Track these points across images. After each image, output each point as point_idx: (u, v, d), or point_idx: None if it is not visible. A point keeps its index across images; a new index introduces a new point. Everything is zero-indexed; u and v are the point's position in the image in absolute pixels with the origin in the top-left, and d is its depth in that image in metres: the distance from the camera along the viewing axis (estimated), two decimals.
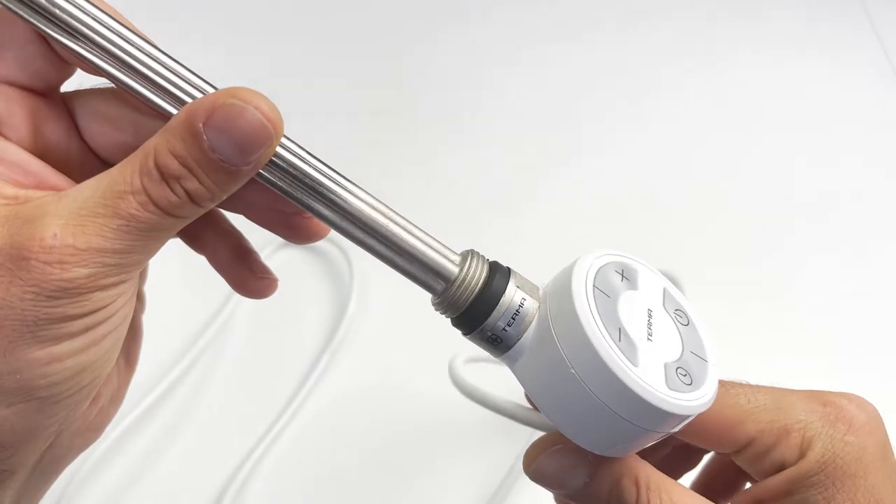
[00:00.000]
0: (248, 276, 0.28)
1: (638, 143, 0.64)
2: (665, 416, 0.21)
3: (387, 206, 0.24)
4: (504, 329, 0.23)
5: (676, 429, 0.23)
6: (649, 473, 0.24)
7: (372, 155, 0.59)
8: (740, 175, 0.63)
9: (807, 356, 0.51)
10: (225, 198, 0.23)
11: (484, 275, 0.24)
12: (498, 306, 0.23)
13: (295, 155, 0.23)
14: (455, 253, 0.24)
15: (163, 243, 0.23)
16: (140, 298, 0.28)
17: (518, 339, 0.23)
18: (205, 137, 0.21)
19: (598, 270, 0.23)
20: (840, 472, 0.24)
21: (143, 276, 0.28)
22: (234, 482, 0.45)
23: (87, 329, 0.22)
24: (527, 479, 0.26)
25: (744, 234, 0.59)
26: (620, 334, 0.22)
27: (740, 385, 0.26)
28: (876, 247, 0.59)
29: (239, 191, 0.23)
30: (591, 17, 0.72)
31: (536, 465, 0.25)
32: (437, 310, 0.25)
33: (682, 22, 0.73)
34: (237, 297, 0.51)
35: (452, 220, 0.55)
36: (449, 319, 0.25)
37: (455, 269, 0.24)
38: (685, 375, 0.22)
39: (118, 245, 0.21)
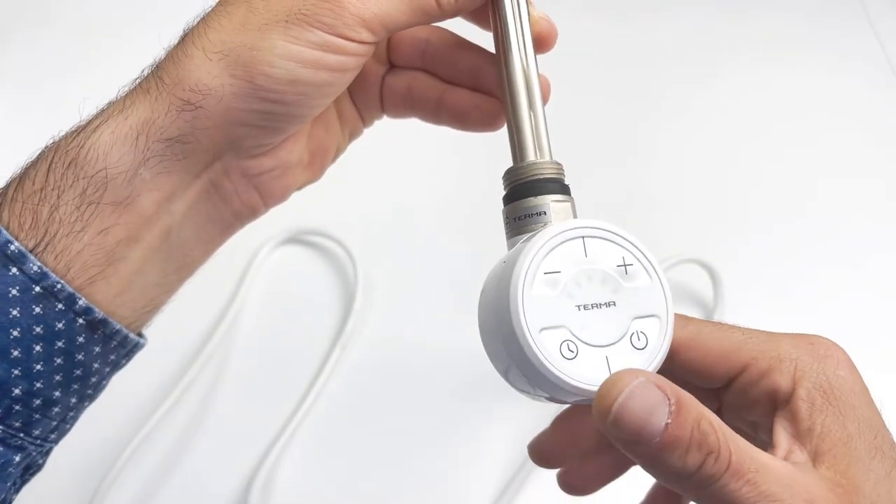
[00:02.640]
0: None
1: (638, 145, 0.66)
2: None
3: (534, 84, 0.29)
4: (513, 220, 0.28)
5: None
6: (718, 419, 0.23)
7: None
8: (739, 176, 0.64)
9: None
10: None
11: (544, 177, 0.27)
12: (523, 201, 0.27)
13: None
14: (551, 155, 0.28)
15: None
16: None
17: (511, 238, 0.28)
18: None
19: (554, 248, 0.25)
20: (838, 401, 0.24)
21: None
22: (262, 468, 0.47)
23: (323, 50, 0.26)
24: None
25: (745, 234, 0.61)
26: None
27: (735, 325, 0.28)
28: (875, 248, 0.60)
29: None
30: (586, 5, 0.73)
31: (620, 404, 0.22)
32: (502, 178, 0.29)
33: (679, 24, 0.74)
34: (243, 295, 0.54)
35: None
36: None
37: (532, 157, 0.28)
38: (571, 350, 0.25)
39: (397, 16, 0.27)
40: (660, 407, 0.22)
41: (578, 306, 0.25)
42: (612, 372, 0.24)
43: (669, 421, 0.22)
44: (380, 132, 0.35)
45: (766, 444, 0.25)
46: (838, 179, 0.64)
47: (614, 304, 0.25)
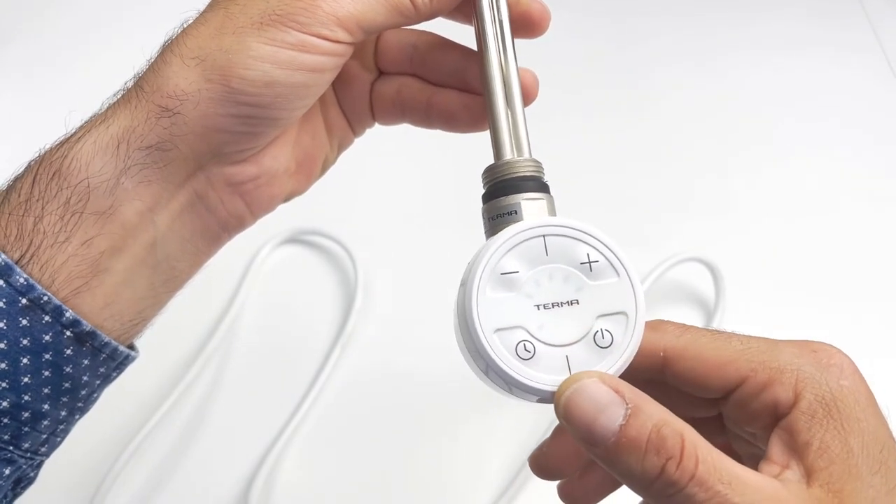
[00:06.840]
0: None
1: (639, 143, 0.65)
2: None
3: (513, 80, 0.29)
4: (489, 219, 0.28)
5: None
6: (691, 429, 0.23)
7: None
8: (741, 174, 0.64)
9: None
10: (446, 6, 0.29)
11: (518, 175, 0.27)
12: (497, 200, 0.27)
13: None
14: (530, 153, 0.28)
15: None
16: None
17: (489, 238, 0.27)
18: None
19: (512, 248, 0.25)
20: (841, 414, 0.23)
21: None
22: (262, 468, 0.48)
23: (298, 50, 0.26)
24: None
25: (747, 232, 0.60)
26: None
27: (734, 333, 0.27)
28: (877, 246, 0.60)
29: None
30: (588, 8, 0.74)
31: (567, 398, 0.23)
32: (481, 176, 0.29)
33: (679, 23, 0.74)
34: (243, 295, 0.54)
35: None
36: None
37: (508, 156, 0.28)
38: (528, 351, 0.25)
39: (373, 17, 0.27)
40: (612, 407, 0.23)
41: (538, 306, 0.25)
42: (573, 370, 0.25)
43: (624, 422, 0.22)
44: (379, 131, 0.35)
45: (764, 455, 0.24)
46: (840, 178, 0.64)
47: (577, 303, 0.25)
